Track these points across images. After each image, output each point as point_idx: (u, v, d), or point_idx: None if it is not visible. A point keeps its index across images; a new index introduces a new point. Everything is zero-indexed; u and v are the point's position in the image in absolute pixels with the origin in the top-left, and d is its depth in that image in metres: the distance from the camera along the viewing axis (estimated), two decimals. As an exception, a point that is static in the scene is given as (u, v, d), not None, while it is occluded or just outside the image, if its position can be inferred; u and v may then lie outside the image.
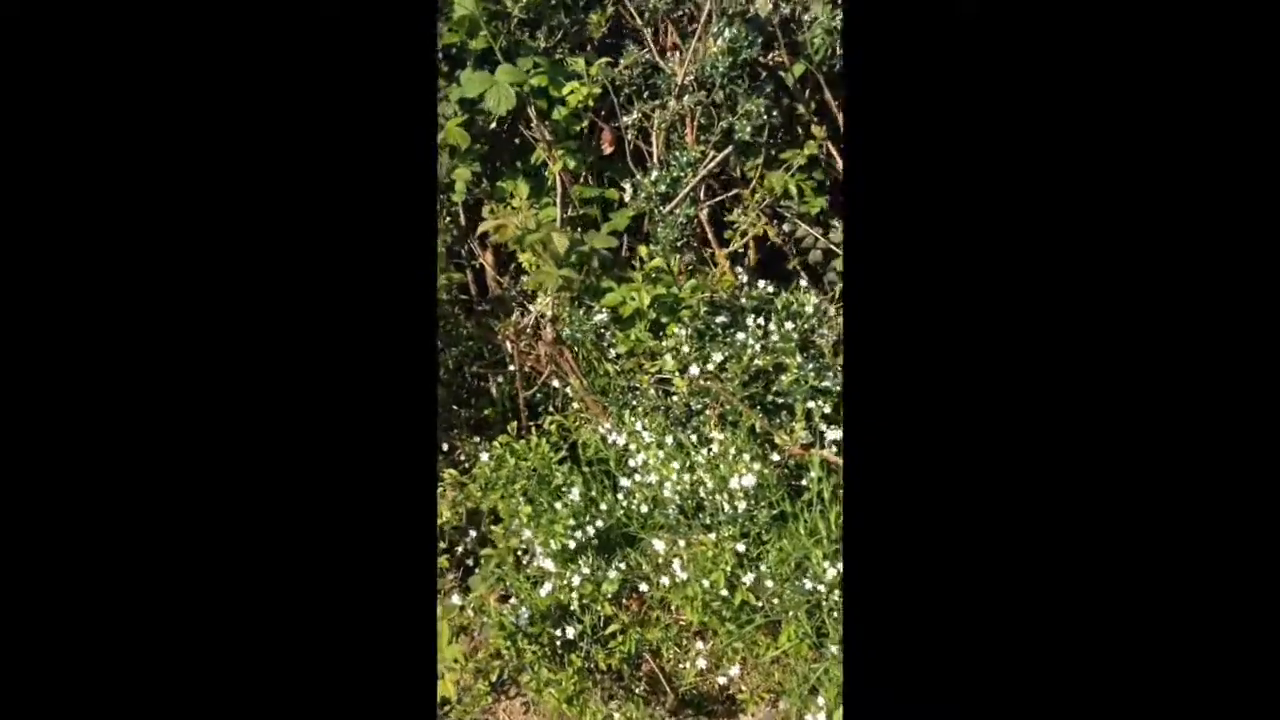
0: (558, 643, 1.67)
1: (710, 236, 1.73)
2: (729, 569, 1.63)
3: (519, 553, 1.79)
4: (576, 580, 1.68)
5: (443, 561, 1.84)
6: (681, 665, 1.72)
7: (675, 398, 1.75)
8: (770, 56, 1.76)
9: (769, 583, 1.58)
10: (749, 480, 1.56)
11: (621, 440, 1.78)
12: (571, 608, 1.69)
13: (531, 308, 1.90)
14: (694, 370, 1.60)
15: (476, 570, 1.82)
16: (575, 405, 1.86)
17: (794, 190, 1.64)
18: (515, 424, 1.89)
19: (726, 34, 1.59)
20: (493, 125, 1.80)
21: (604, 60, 1.74)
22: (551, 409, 1.95)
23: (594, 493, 1.80)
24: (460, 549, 1.86)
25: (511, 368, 1.98)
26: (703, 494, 1.70)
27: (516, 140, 1.98)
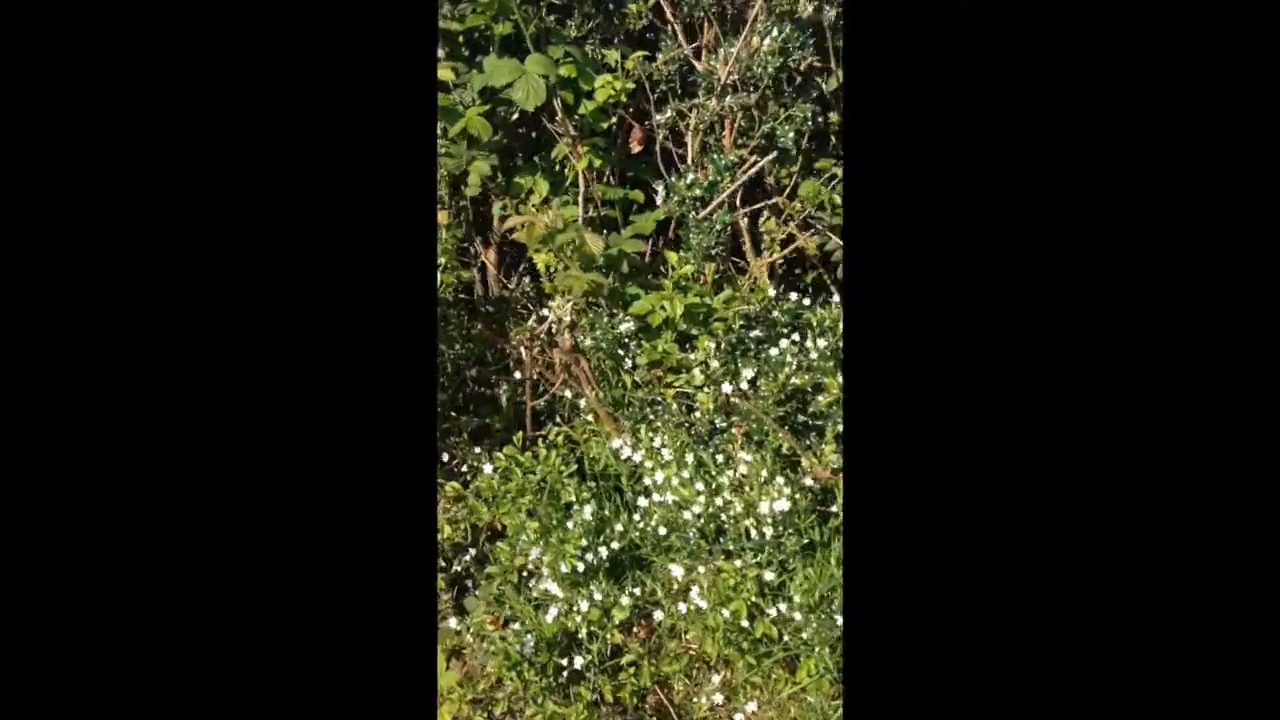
0: (564, 673, 1.55)
1: (748, 245, 1.64)
2: (751, 598, 1.53)
3: (521, 574, 1.67)
4: (585, 605, 1.57)
5: (439, 581, 1.71)
6: (694, 699, 1.62)
7: (698, 414, 1.65)
8: (808, 61, 1.68)
9: (796, 615, 1.49)
10: (782, 505, 1.46)
11: (638, 457, 1.67)
12: (579, 635, 1.58)
13: (545, 311, 1.79)
14: (726, 387, 1.50)
15: (476, 591, 1.70)
16: (588, 417, 1.75)
17: (837, 199, 1.56)
18: (521, 434, 1.77)
19: (775, 33, 1.50)
20: (515, 116, 1.69)
21: (640, 54, 1.64)
22: (558, 419, 1.84)
23: (607, 511, 1.69)
24: (457, 568, 1.74)
25: (517, 374, 1.86)
26: (724, 518, 1.60)
27: (533, 133, 1.87)
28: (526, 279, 1.96)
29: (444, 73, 1.55)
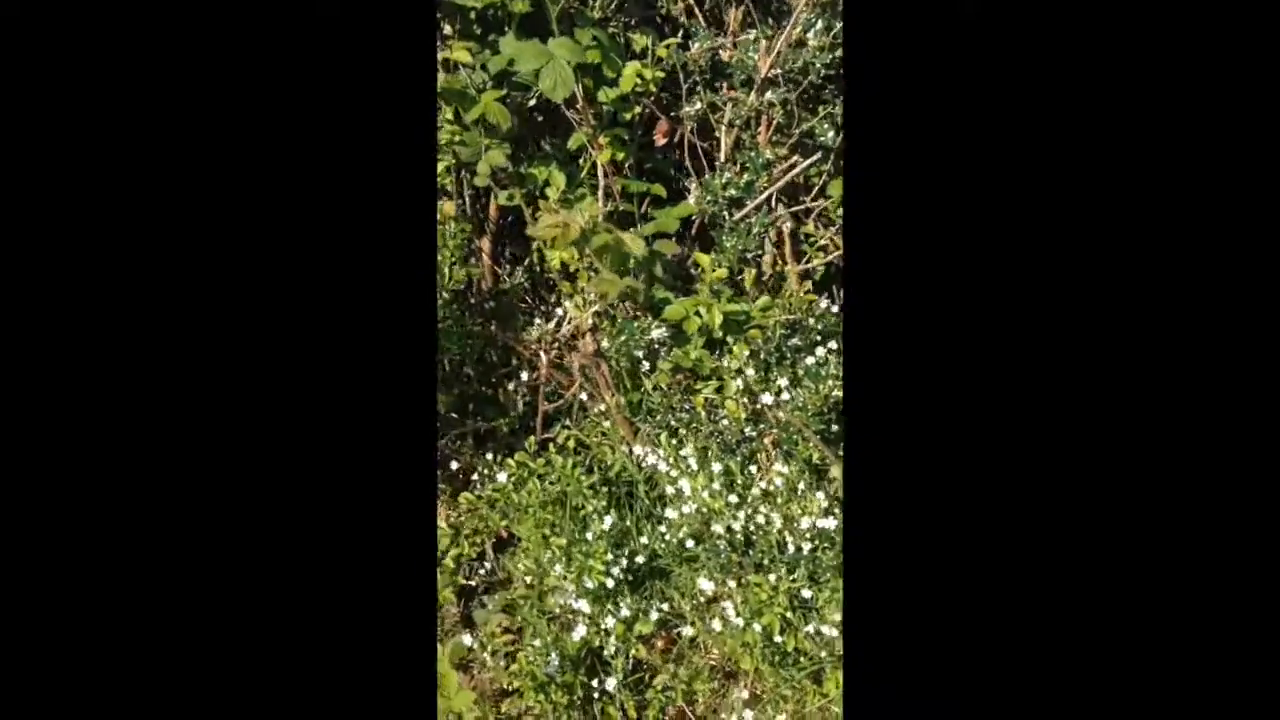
0: (595, 693, 1.49)
1: (787, 248, 1.58)
2: (783, 612, 1.50)
3: (536, 586, 1.60)
4: (610, 622, 1.51)
5: (447, 594, 1.62)
6: (718, 712, 1.58)
7: (726, 422, 1.60)
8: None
9: (833, 630, 1.46)
10: (828, 523, 1.43)
11: (663, 466, 1.61)
12: (606, 652, 1.52)
13: (559, 310, 1.69)
14: (767, 398, 1.45)
15: (486, 604, 1.61)
16: (607, 424, 1.68)
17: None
18: (532, 439, 1.68)
19: (820, 25, 1.43)
20: (531, 103, 1.57)
21: (673, 41, 1.55)
22: (567, 424, 1.76)
23: (629, 522, 1.62)
24: (473, 581, 1.64)
25: (525, 375, 1.76)
26: (752, 529, 1.56)
27: (541, 119, 1.76)
28: (521, 271, 1.86)
29: (459, 53, 1.42)
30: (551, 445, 1.70)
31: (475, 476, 1.67)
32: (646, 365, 1.65)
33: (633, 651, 1.53)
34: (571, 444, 1.72)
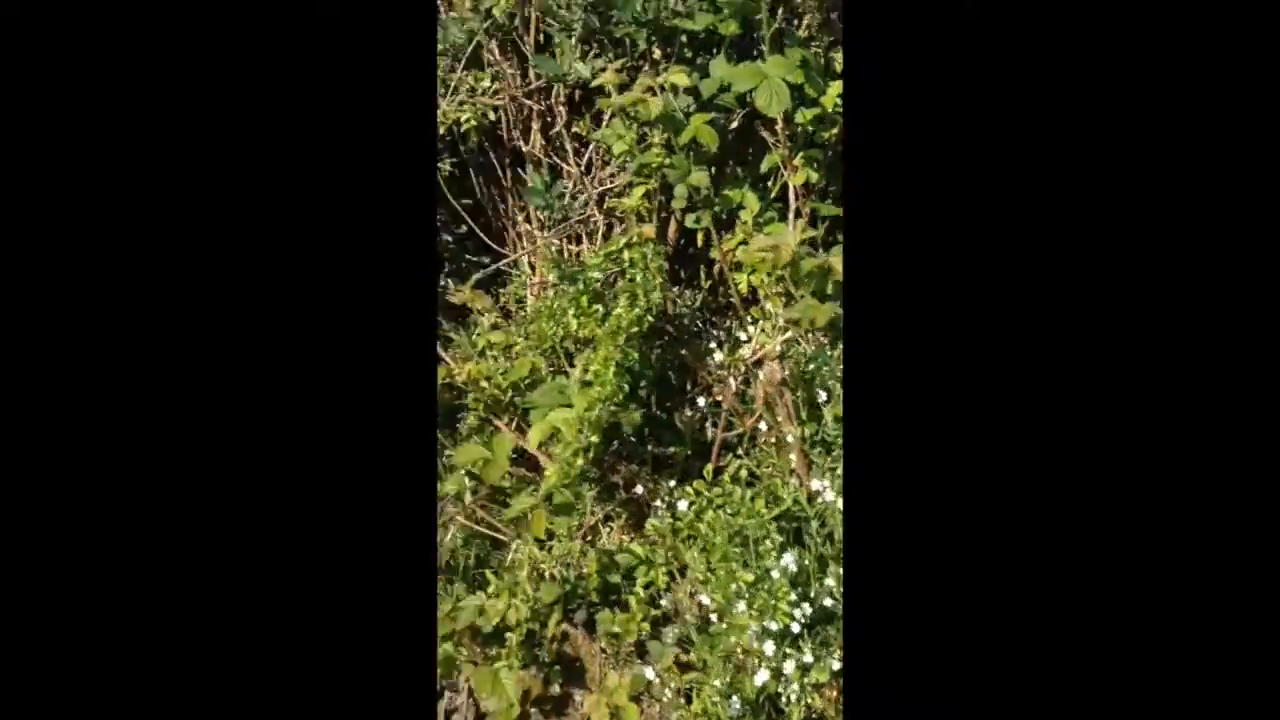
0: (774, 743, 1.42)
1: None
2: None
3: (717, 620, 1.54)
4: (790, 667, 1.44)
5: (644, 625, 1.54)
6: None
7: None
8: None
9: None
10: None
11: (841, 502, 1.53)
12: (785, 701, 1.45)
13: (741, 335, 1.65)
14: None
15: (661, 636, 1.57)
16: (787, 456, 1.61)
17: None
18: (709, 468, 1.63)
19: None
20: (734, 125, 1.54)
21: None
22: (739, 454, 1.70)
23: (806, 561, 1.55)
24: (655, 611, 1.59)
25: (701, 401, 1.72)
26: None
27: (732, 138, 1.72)
28: (699, 294, 1.82)
29: (676, 76, 1.41)
30: (726, 475, 1.64)
31: (659, 503, 1.64)
32: (823, 395, 1.58)
33: (810, 700, 1.46)
34: (744, 474, 1.66)
